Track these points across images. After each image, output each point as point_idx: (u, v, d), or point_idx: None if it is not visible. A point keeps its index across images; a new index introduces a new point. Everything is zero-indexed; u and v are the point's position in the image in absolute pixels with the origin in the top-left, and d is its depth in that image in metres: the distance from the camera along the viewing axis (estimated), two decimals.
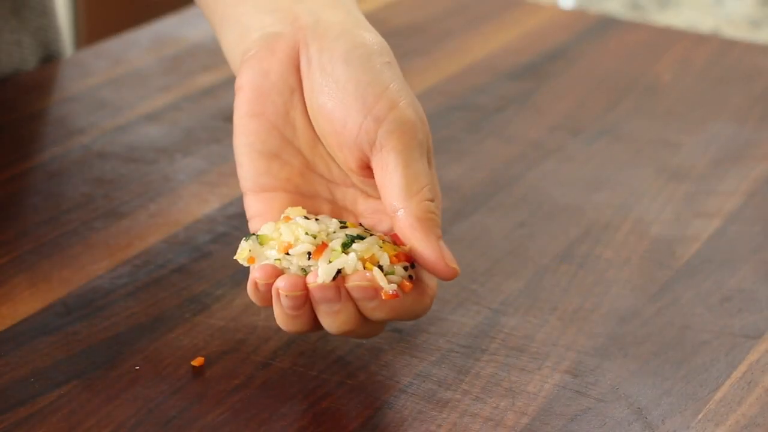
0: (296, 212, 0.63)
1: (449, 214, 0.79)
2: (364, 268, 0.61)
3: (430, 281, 0.63)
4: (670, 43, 1.06)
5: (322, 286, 0.60)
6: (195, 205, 0.79)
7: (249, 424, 0.61)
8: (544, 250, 0.76)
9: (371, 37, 0.66)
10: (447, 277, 0.63)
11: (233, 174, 0.68)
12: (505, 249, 0.76)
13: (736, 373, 0.66)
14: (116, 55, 0.99)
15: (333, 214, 0.66)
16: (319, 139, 0.66)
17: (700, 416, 0.62)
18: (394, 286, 0.61)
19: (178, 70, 0.97)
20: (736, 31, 2.46)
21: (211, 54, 0.99)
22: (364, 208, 0.66)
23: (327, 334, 0.67)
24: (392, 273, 0.61)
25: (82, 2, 2.14)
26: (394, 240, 0.63)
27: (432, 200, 0.63)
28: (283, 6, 0.67)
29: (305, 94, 0.66)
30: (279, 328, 0.67)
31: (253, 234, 0.63)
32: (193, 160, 0.85)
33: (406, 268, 0.62)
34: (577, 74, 1.00)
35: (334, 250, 0.61)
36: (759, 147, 0.89)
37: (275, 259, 0.61)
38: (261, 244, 0.62)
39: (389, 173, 0.63)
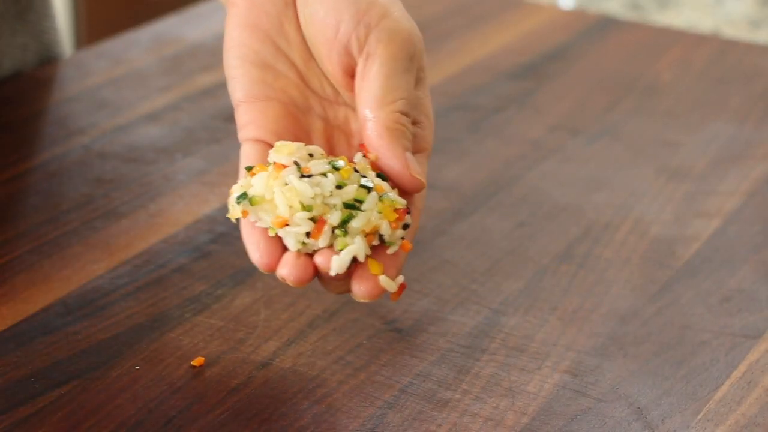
0: (286, 149, 0.62)
1: (449, 214, 0.79)
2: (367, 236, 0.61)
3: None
4: (670, 43, 1.06)
5: (337, 276, 0.60)
6: (195, 205, 0.79)
7: (249, 424, 0.61)
8: (544, 250, 0.76)
9: None
10: (412, 189, 0.62)
11: (233, 174, 0.68)
12: (505, 249, 0.76)
13: (736, 373, 0.66)
14: (116, 55, 0.99)
15: (325, 133, 0.65)
16: (312, 56, 0.66)
17: (700, 416, 0.62)
18: (401, 279, 0.61)
19: (178, 70, 0.97)
20: (736, 31, 2.46)
21: (211, 54, 0.99)
22: (356, 128, 0.66)
23: (327, 334, 0.67)
24: (393, 244, 0.61)
25: (82, 2, 2.14)
26: (362, 149, 0.63)
27: (405, 114, 0.62)
28: None
29: (298, 3, 0.65)
30: (279, 328, 0.67)
31: (245, 194, 0.61)
32: (193, 160, 0.85)
33: (405, 227, 0.61)
34: (577, 74, 1.00)
35: (337, 233, 0.60)
36: (759, 147, 0.89)
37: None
38: (252, 204, 0.61)
39: (368, 81, 0.62)
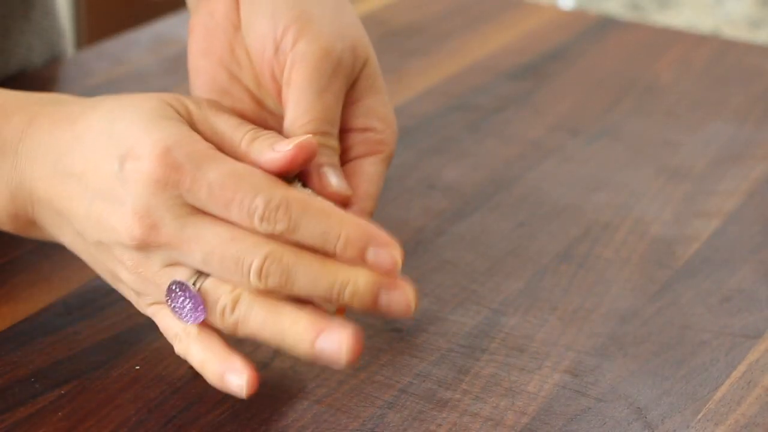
0: None
1: (449, 214, 0.79)
2: None
3: None
4: (670, 43, 1.06)
5: None
6: None
7: (249, 424, 0.61)
8: (544, 250, 0.76)
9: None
10: (338, 202, 0.61)
11: None
12: (505, 249, 0.76)
13: (735, 373, 0.66)
14: (116, 55, 1.00)
15: None
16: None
17: (699, 416, 0.62)
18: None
19: (178, 70, 0.97)
20: (735, 31, 2.46)
21: None
22: None
23: None
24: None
25: (82, 2, 2.14)
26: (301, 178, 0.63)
27: (324, 132, 0.63)
28: None
29: (241, 27, 0.66)
30: None
31: None
32: None
33: None
34: (577, 74, 1.00)
35: None
36: (759, 147, 0.89)
37: None
38: None
39: (285, 107, 0.64)
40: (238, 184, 0.57)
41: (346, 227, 0.57)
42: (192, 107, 0.61)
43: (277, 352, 0.65)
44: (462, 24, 1.09)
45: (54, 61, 0.99)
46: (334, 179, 0.62)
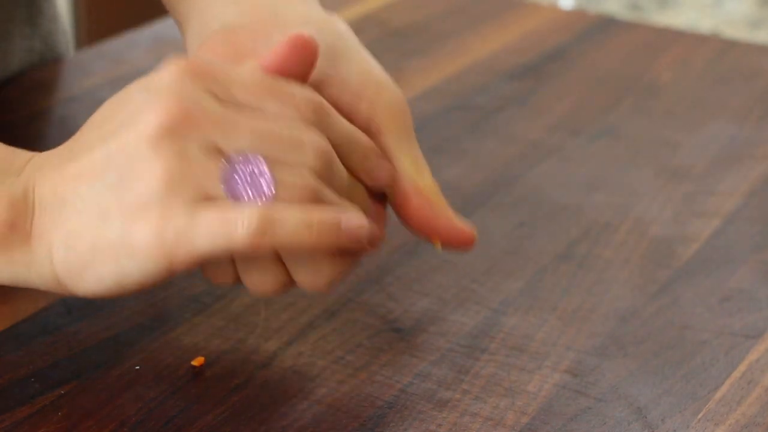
0: None
1: None
2: None
3: None
4: (670, 43, 1.06)
5: None
6: None
7: (249, 424, 0.61)
8: (544, 250, 0.76)
9: (337, 23, 0.66)
10: (470, 245, 0.65)
11: None
12: (505, 249, 0.76)
13: (735, 373, 0.66)
14: (116, 55, 0.99)
15: None
16: None
17: (700, 416, 0.62)
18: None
19: None
20: (735, 31, 2.46)
21: None
22: None
23: (327, 334, 0.67)
24: None
25: (82, 3, 2.14)
26: None
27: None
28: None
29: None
30: (279, 328, 0.67)
31: None
32: None
33: None
34: (577, 74, 1.00)
35: None
36: (759, 147, 0.89)
37: None
38: None
39: (395, 159, 0.64)
40: (270, 84, 0.57)
41: (364, 139, 0.61)
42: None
43: (277, 352, 0.66)
44: (462, 24, 1.09)
45: (54, 61, 0.99)
46: (462, 222, 0.65)
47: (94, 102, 0.92)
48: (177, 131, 0.55)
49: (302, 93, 0.58)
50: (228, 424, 0.61)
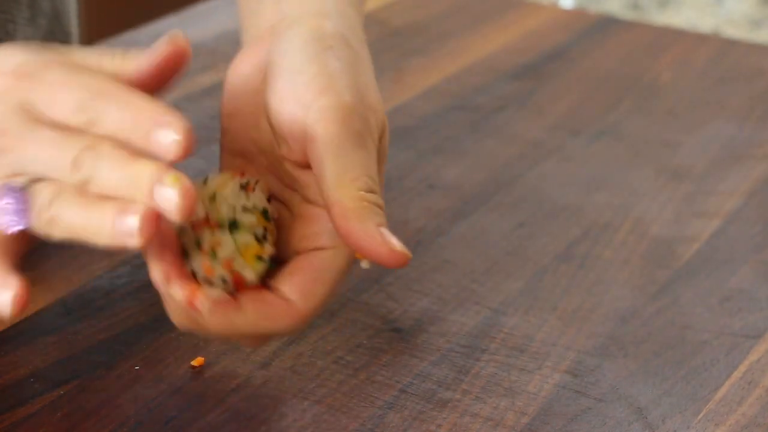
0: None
1: (449, 214, 0.79)
2: None
3: (297, 299, 0.58)
4: (670, 43, 1.06)
5: None
6: None
7: (249, 424, 0.61)
8: (544, 250, 0.76)
9: (326, 24, 0.64)
10: (396, 264, 0.57)
11: None
12: (505, 249, 0.76)
13: (736, 373, 0.66)
14: None
15: None
16: (277, 141, 0.63)
17: (700, 416, 0.62)
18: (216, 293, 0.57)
19: None
20: (736, 30, 2.46)
21: (211, 54, 0.99)
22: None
23: (327, 334, 0.67)
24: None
25: (82, 3, 2.14)
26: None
27: (371, 191, 0.58)
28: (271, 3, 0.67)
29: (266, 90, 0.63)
30: None
31: None
32: (193, 160, 0.84)
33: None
34: (577, 74, 1.00)
35: None
36: (759, 147, 0.89)
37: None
38: None
39: (318, 166, 0.59)
40: (68, 81, 0.56)
41: (144, 110, 0.56)
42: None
43: (277, 352, 0.65)
44: (462, 24, 1.09)
45: None
46: (394, 240, 0.58)
47: None
48: None
49: (87, 83, 0.57)
50: (228, 424, 0.61)
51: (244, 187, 0.59)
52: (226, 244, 0.57)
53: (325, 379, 0.64)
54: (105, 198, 0.55)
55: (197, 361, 0.65)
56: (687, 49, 1.05)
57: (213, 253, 0.57)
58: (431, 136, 0.89)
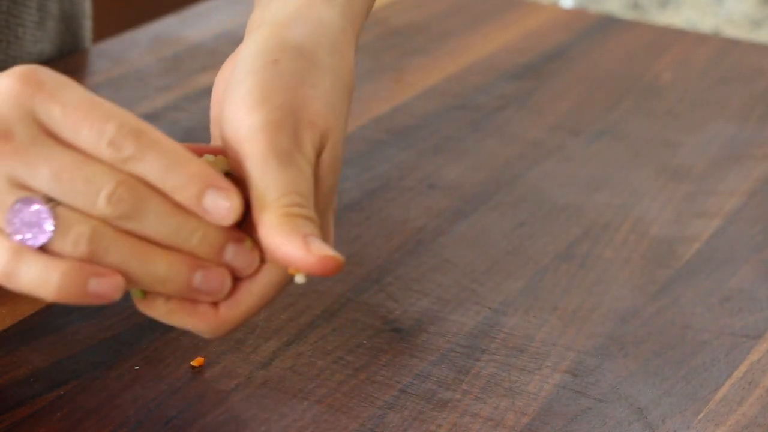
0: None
1: (449, 214, 0.79)
2: None
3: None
4: (670, 43, 1.06)
5: None
6: None
7: (249, 424, 0.61)
8: (544, 250, 0.76)
9: (286, 33, 0.62)
10: (327, 271, 0.56)
11: None
12: (505, 249, 0.76)
13: (736, 373, 0.66)
14: (116, 55, 0.99)
15: None
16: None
17: (700, 416, 0.62)
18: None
19: (178, 70, 0.97)
20: (736, 30, 2.46)
21: (211, 54, 0.99)
22: None
23: (327, 334, 0.67)
24: None
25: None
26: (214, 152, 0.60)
27: (297, 204, 0.57)
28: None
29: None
30: (279, 328, 0.67)
31: None
32: None
33: None
34: (577, 74, 1.00)
35: None
36: (759, 147, 0.89)
37: None
38: None
39: (248, 186, 0.58)
40: (93, 108, 0.55)
41: (191, 167, 0.55)
42: None
43: (277, 352, 0.65)
44: (462, 24, 1.09)
45: (54, 61, 0.99)
46: (325, 247, 0.56)
47: None
48: None
49: (122, 123, 0.55)
50: (228, 424, 0.61)
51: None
52: None
53: (325, 379, 0.64)
54: (152, 244, 0.56)
55: (197, 361, 0.65)
56: (687, 49, 1.05)
57: None
58: (431, 136, 0.89)
